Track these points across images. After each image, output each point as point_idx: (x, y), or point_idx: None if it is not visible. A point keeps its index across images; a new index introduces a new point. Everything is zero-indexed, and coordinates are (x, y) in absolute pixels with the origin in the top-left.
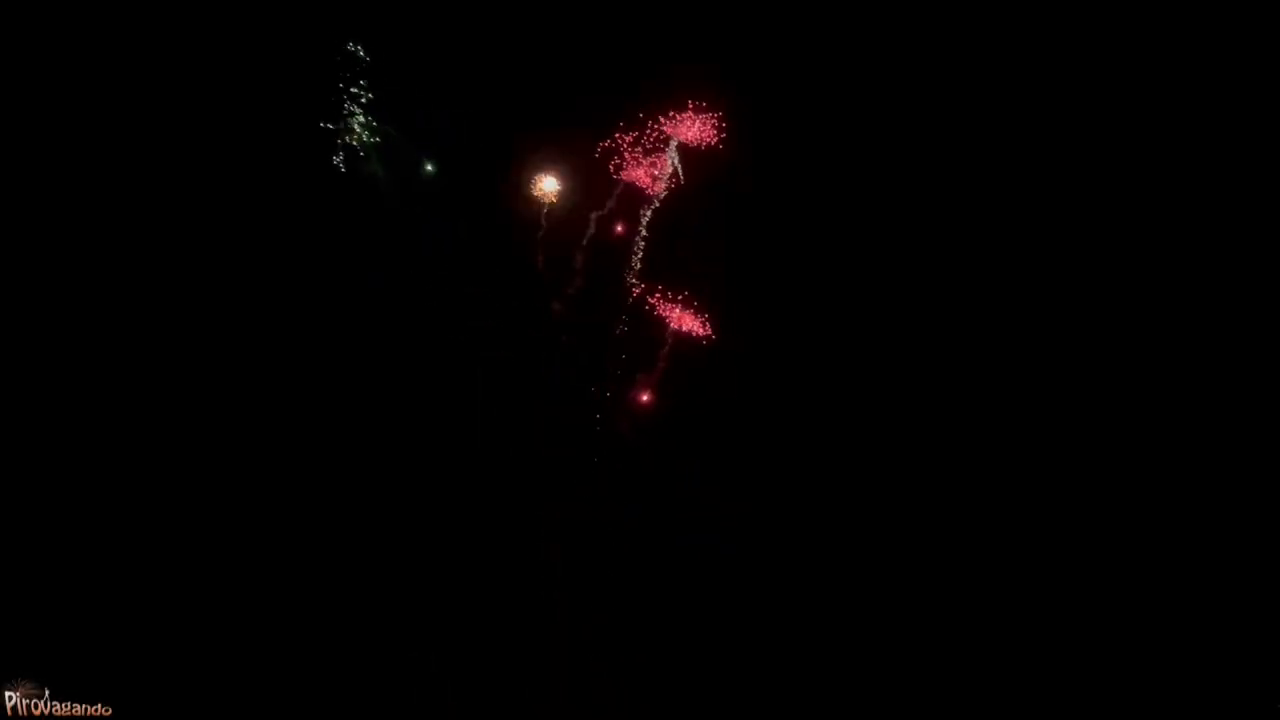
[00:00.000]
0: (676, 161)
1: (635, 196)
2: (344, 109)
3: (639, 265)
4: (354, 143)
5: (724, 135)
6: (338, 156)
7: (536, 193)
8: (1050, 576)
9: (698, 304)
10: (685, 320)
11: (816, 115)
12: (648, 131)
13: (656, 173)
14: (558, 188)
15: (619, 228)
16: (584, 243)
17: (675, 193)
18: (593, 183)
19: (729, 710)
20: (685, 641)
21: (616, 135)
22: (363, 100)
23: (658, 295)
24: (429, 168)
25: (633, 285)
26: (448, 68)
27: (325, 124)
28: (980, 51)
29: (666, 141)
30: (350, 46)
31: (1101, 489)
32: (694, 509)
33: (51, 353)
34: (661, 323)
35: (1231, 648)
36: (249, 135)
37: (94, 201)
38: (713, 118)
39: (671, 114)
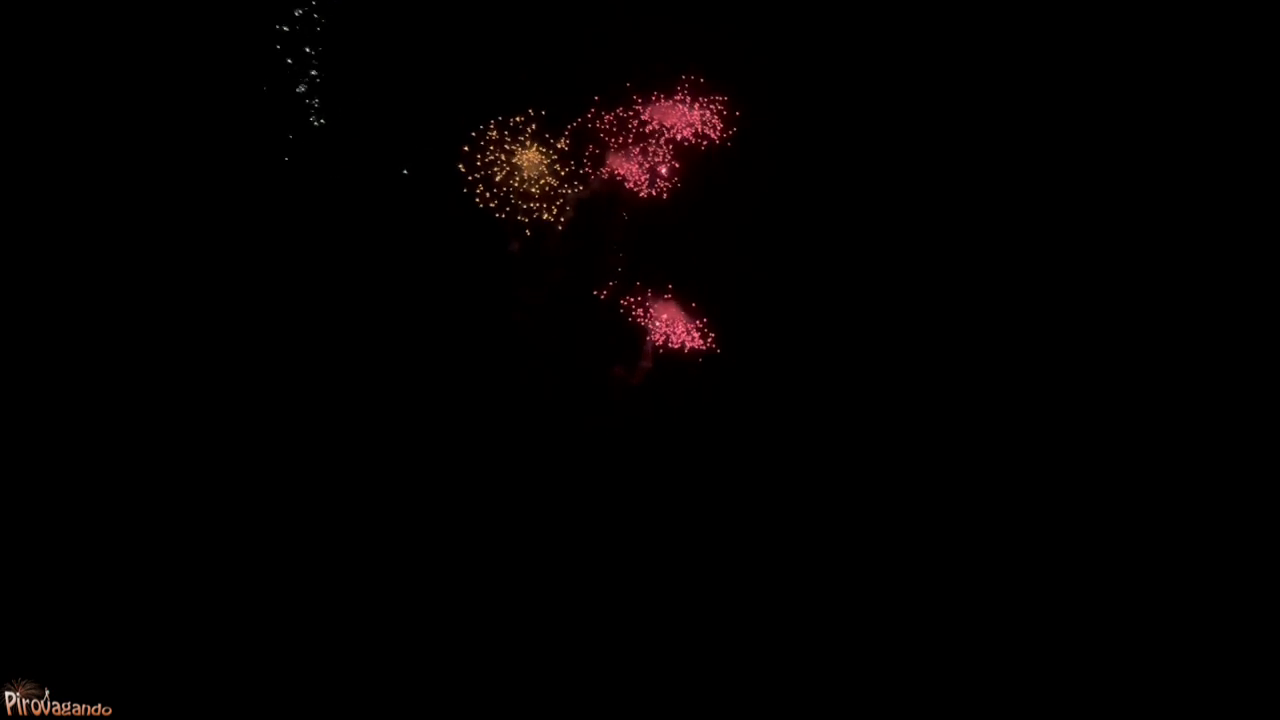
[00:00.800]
0: (668, 150)
1: (623, 185)
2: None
3: (621, 260)
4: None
5: (721, 126)
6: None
7: (511, 173)
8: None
9: (688, 305)
10: (671, 320)
11: (816, 109)
12: (637, 114)
13: (646, 161)
14: (539, 168)
15: (604, 214)
16: (562, 229)
17: (667, 184)
18: (575, 164)
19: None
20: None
21: (603, 114)
22: (319, 79)
23: (638, 294)
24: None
25: (614, 279)
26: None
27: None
28: (984, 46)
29: (657, 129)
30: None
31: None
32: None
33: (48, 351)
34: (643, 323)
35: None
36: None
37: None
38: (711, 104)
39: (658, 96)
